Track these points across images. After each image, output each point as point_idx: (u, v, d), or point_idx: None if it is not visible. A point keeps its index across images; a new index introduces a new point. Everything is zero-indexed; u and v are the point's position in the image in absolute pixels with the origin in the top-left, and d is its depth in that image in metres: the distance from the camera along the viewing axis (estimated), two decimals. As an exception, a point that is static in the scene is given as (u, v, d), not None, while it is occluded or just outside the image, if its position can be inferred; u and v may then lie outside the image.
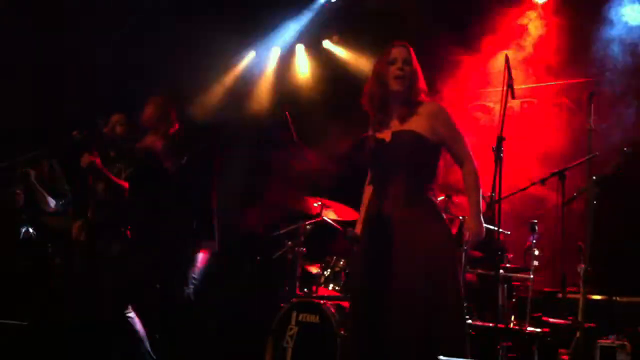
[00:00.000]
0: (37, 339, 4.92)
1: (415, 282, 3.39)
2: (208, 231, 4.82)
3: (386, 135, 3.66)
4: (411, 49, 3.75)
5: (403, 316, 3.36)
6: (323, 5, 7.89)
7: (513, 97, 4.40)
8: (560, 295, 5.18)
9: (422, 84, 3.71)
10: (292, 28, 8.04)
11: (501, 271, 4.84)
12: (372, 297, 3.45)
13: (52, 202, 5.98)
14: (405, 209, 3.51)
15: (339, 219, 6.00)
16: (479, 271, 5.10)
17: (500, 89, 4.23)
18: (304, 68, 8.20)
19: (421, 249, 3.44)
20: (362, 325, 3.49)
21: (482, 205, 3.66)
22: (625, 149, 5.19)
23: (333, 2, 7.85)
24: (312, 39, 8.14)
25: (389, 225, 3.50)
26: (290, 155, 5.58)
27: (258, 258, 5.69)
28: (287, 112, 6.18)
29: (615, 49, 6.40)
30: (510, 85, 4.33)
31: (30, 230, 6.03)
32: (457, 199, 5.08)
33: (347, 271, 5.49)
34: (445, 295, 3.42)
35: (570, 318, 4.87)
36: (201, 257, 4.80)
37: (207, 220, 4.82)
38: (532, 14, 7.01)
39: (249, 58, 8.30)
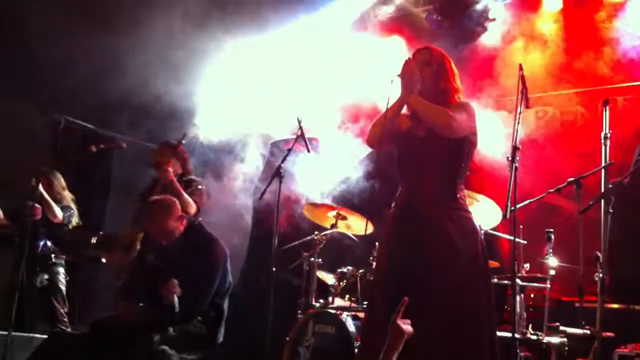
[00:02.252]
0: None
1: (441, 282, 3.39)
2: None
3: (420, 130, 3.65)
4: (435, 51, 3.77)
5: (432, 315, 3.35)
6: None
7: (527, 107, 4.41)
8: (577, 304, 5.15)
9: (448, 83, 3.70)
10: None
11: (518, 280, 4.82)
12: (397, 290, 3.38)
13: (59, 213, 6.04)
14: (437, 206, 3.51)
15: (354, 229, 6.01)
16: (496, 280, 5.08)
17: (516, 97, 4.24)
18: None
19: (449, 250, 3.43)
20: (384, 321, 3.45)
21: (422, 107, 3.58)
22: (639, 157, 5.16)
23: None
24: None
25: (419, 221, 3.50)
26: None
27: (274, 269, 5.69)
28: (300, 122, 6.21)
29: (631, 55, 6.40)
30: (524, 94, 4.35)
31: (49, 244, 6.09)
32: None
33: (362, 282, 5.49)
34: (475, 295, 3.42)
35: (588, 327, 4.85)
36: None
37: None
38: (547, 21, 7.02)
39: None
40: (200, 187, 5.69)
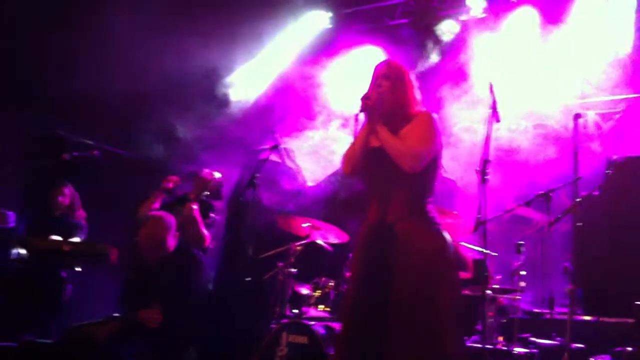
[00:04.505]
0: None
1: (412, 296, 3.38)
2: None
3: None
4: (393, 64, 3.77)
5: (400, 330, 3.35)
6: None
7: (498, 121, 4.49)
8: (548, 316, 5.22)
9: (407, 95, 3.69)
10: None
11: (488, 292, 4.87)
12: (369, 307, 3.44)
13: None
14: (408, 221, 3.51)
15: (328, 240, 6.03)
16: (466, 292, 5.13)
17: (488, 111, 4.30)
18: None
19: (422, 264, 3.43)
20: (357, 334, 3.46)
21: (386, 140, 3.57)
22: (608, 171, 5.26)
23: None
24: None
25: (390, 236, 3.49)
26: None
27: (248, 279, 5.70)
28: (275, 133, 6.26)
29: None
30: (494, 109, 4.42)
31: (21, 251, 6.03)
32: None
33: (336, 292, 5.51)
34: (442, 311, 3.41)
35: (558, 339, 4.91)
36: None
37: None
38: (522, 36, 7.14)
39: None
40: (214, 219, 5.71)
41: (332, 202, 7.01)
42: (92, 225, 6.79)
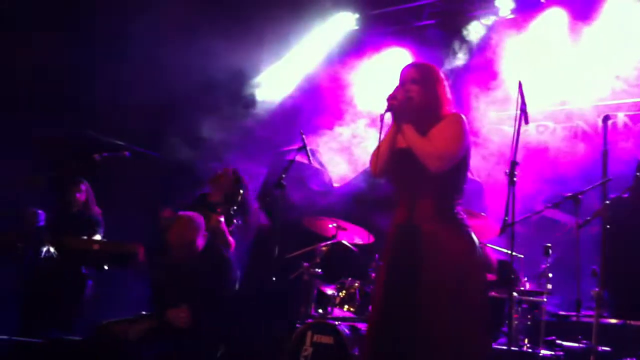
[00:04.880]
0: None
1: (441, 298, 3.38)
2: None
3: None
4: (421, 65, 3.76)
5: (428, 333, 3.35)
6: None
7: (527, 123, 4.45)
8: (574, 318, 5.18)
9: (437, 96, 3.66)
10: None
11: (515, 294, 4.85)
12: (397, 308, 3.44)
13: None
14: (435, 223, 3.50)
15: (354, 241, 6.05)
16: (493, 294, 5.11)
17: (515, 113, 4.28)
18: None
19: (450, 265, 3.42)
20: (384, 335, 3.46)
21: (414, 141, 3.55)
22: (638, 173, 5.20)
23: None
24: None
25: (418, 238, 3.48)
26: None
27: (274, 279, 5.73)
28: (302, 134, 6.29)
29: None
30: (523, 110, 4.40)
31: (51, 250, 6.14)
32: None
33: (362, 292, 5.53)
34: (470, 314, 3.41)
35: (585, 342, 4.87)
36: None
37: None
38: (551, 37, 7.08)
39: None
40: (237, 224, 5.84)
41: (358, 202, 7.01)
42: (120, 225, 6.89)
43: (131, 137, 7.46)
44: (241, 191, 5.87)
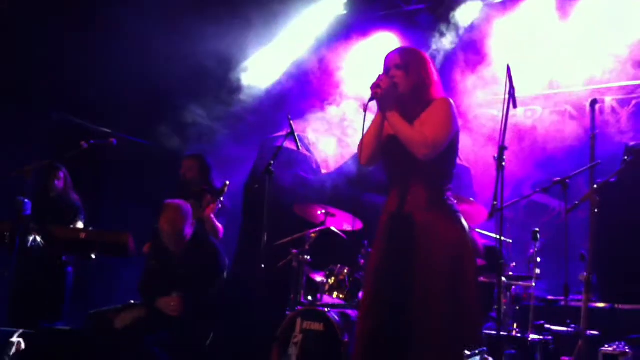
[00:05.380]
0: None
1: (435, 284, 3.40)
2: None
3: None
4: (405, 50, 3.72)
5: (423, 316, 3.37)
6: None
7: (515, 107, 4.44)
8: (563, 303, 5.21)
9: (423, 79, 3.63)
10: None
11: (503, 279, 4.86)
12: (389, 294, 3.45)
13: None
14: (426, 209, 3.50)
15: (343, 227, 6.04)
16: (482, 279, 5.12)
17: (503, 98, 4.27)
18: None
19: (442, 252, 3.44)
20: (378, 323, 3.47)
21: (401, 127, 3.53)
22: (626, 157, 5.21)
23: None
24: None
25: (410, 226, 3.49)
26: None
27: (263, 266, 5.73)
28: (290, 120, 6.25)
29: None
30: (511, 95, 4.38)
31: (38, 239, 6.10)
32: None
33: (351, 279, 5.53)
34: (465, 298, 3.43)
35: (573, 326, 4.90)
36: None
37: None
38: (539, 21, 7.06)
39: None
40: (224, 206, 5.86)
41: (353, 185, 7.00)
42: (111, 214, 6.86)
43: (119, 125, 7.42)
44: (209, 175, 5.95)
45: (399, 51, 3.71)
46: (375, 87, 3.53)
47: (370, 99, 3.55)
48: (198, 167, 6.08)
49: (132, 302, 5.22)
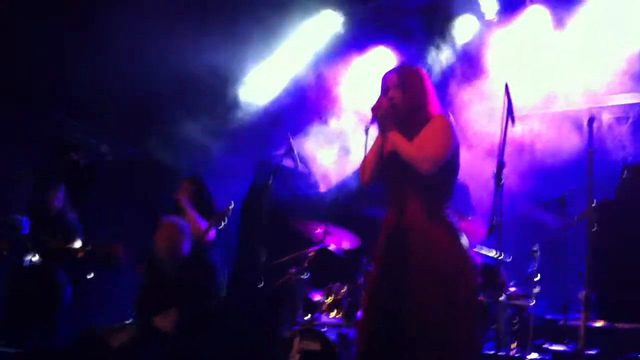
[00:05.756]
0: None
1: (433, 299, 3.39)
2: None
3: None
4: (403, 70, 3.76)
5: (418, 334, 3.36)
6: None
7: (513, 125, 4.45)
8: (562, 322, 5.19)
9: (420, 99, 3.68)
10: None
11: (502, 298, 4.85)
12: (389, 309, 3.44)
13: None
14: (426, 225, 3.52)
15: (341, 245, 6.02)
16: (480, 298, 5.10)
17: (501, 115, 4.27)
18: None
19: (440, 268, 3.44)
20: (376, 340, 3.46)
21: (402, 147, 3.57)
22: (624, 175, 5.21)
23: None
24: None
25: (408, 240, 3.50)
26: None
27: (260, 285, 5.71)
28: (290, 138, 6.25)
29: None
30: (510, 112, 4.39)
31: (35, 257, 6.07)
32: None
33: (349, 298, 5.50)
34: (463, 314, 3.43)
35: (572, 345, 4.88)
36: None
37: None
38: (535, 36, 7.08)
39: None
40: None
41: (347, 204, 6.99)
42: (104, 226, 6.82)
43: (112, 130, 7.39)
44: (206, 196, 5.94)
45: (396, 71, 3.78)
46: (375, 109, 3.61)
47: (371, 122, 3.61)
48: (194, 189, 6.07)
49: (127, 322, 5.20)
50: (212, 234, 5.70)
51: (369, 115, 3.61)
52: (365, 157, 3.69)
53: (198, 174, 6.28)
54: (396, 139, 3.58)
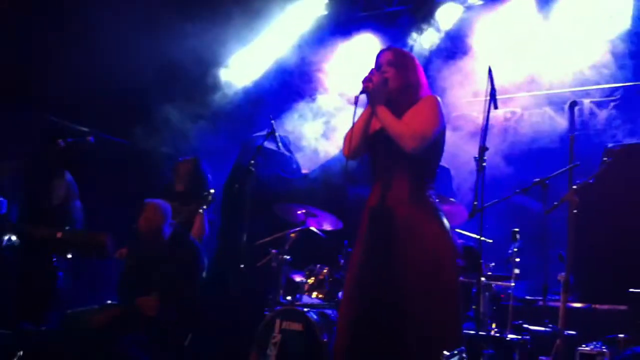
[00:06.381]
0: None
1: (415, 279, 3.41)
2: None
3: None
4: (398, 50, 3.81)
5: (401, 316, 3.38)
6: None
7: (496, 108, 4.47)
8: (541, 303, 5.23)
9: (413, 79, 3.71)
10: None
11: (483, 279, 4.88)
12: (371, 289, 3.47)
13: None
14: (409, 205, 3.53)
15: (323, 227, 6.03)
16: (461, 279, 5.13)
17: (484, 99, 4.29)
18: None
19: (422, 247, 3.45)
20: (360, 319, 3.48)
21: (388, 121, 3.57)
22: (605, 158, 5.25)
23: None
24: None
25: (392, 220, 3.51)
26: None
27: (242, 266, 5.69)
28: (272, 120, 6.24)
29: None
30: (492, 96, 4.41)
31: (13, 238, 6.02)
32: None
33: (331, 279, 5.51)
34: (444, 294, 3.44)
35: (551, 326, 4.93)
36: None
37: None
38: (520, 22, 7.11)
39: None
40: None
41: (330, 186, 7.00)
42: (90, 214, 6.77)
43: (96, 123, 7.33)
44: (202, 179, 5.88)
45: (392, 49, 3.81)
46: (366, 81, 3.60)
47: (361, 92, 3.60)
48: (192, 171, 6.03)
49: (110, 302, 5.17)
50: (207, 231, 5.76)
51: (360, 87, 3.59)
52: (351, 129, 3.69)
53: (195, 156, 6.20)
54: (384, 114, 3.58)
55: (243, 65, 7.92)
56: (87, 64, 6.71)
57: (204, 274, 5.17)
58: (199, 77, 7.42)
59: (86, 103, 7.07)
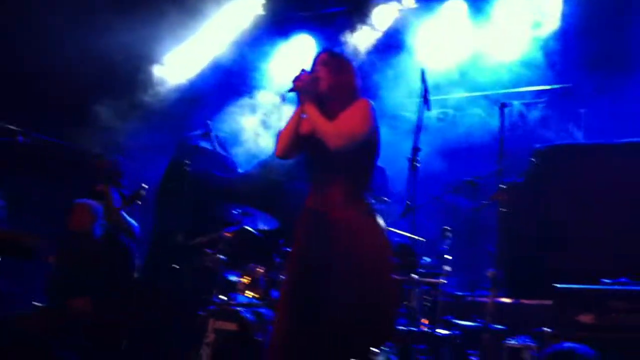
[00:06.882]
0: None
1: (352, 281, 3.43)
2: None
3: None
4: (333, 52, 3.80)
5: (338, 316, 3.40)
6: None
7: (429, 109, 4.57)
8: (470, 298, 5.36)
9: (345, 82, 3.70)
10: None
11: (414, 276, 4.96)
12: (308, 291, 3.48)
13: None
14: (344, 208, 3.53)
15: (259, 226, 6.03)
16: (395, 276, 5.20)
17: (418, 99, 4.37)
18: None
19: (358, 250, 3.47)
20: (295, 320, 3.49)
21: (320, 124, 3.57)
22: (533, 159, 5.41)
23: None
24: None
25: (327, 223, 3.52)
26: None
27: (176, 266, 5.64)
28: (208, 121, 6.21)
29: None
30: (426, 98, 4.50)
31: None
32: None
33: (266, 278, 5.51)
34: (378, 294, 3.48)
35: (479, 320, 5.05)
36: None
37: None
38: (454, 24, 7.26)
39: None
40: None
41: (263, 187, 7.00)
42: (21, 216, 6.59)
43: (27, 122, 7.14)
44: (118, 174, 5.81)
45: (328, 51, 3.82)
46: (296, 79, 3.60)
47: (289, 90, 3.61)
48: (107, 170, 5.92)
49: (38, 304, 5.05)
50: (136, 227, 5.61)
51: (289, 85, 3.60)
52: (282, 129, 3.69)
53: (110, 152, 6.12)
54: (312, 112, 3.58)
55: (179, 63, 7.83)
56: (14, 59, 6.53)
57: (135, 274, 5.10)
58: (132, 73, 7.30)
59: (15, 101, 6.89)
